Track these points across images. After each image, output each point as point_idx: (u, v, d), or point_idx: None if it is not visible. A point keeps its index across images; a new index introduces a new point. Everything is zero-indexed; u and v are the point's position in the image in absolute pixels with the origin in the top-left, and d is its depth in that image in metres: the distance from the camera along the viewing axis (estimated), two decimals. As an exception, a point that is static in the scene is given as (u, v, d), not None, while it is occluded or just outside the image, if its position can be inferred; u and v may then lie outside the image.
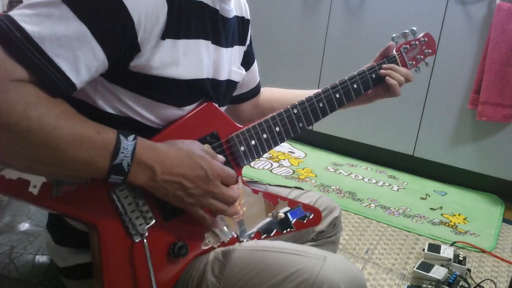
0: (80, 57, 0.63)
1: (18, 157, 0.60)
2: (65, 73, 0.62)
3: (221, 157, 0.78)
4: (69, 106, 0.64)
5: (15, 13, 0.60)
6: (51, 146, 0.60)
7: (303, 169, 2.55)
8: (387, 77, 1.02)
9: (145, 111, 0.75)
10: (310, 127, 0.96)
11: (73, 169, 0.64)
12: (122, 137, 0.66)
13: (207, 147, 0.80)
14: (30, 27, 0.59)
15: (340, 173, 2.54)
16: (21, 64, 0.59)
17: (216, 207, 0.75)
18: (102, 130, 0.65)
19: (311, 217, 0.94)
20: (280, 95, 1.11)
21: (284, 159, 2.67)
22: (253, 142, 0.87)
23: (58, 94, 0.63)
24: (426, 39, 1.11)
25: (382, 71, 1.03)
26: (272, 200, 0.90)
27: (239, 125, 0.87)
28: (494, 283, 1.65)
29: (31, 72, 0.59)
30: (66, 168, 0.63)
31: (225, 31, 0.86)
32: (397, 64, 1.06)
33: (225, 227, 0.83)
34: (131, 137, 0.67)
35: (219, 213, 0.77)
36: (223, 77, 0.87)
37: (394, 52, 1.07)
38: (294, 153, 2.78)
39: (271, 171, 2.50)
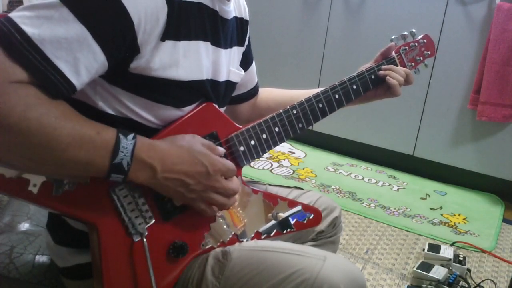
0: (80, 59, 0.63)
1: (18, 158, 0.60)
2: (65, 75, 0.62)
3: (221, 149, 0.78)
4: (68, 107, 0.64)
5: (15, 15, 0.60)
6: (50, 146, 0.60)
7: (303, 169, 2.55)
8: (388, 77, 1.02)
9: (144, 112, 0.75)
10: (310, 127, 0.96)
11: (73, 169, 0.64)
12: (121, 136, 0.66)
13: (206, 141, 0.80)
14: (30, 29, 0.59)
15: (340, 173, 2.55)
16: (21, 66, 0.59)
17: (217, 201, 0.76)
18: (101, 130, 0.65)
19: (311, 217, 0.94)
20: (277, 95, 1.12)
21: (284, 159, 2.67)
22: (252, 142, 0.87)
23: (58, 96, 0.63)
24: (425, 40, 1.11)
25: (381, 72, 1.03)
26: (272, 200, 0.90)
27: (238, 126, 0.87)
28: (494, 283, 1.65)
29: (31, 74, 0.60)
30: (66, 168, 0.63)
31: (224, 32, 0.86)
32: (396, 65, 1.06)
33: (225, 226, 0.84)
34: (131, 136, 0.67)
35: (220, 207, 0.78)
36: (222, 78, 0.87)
37: (393, 53, 1.07)
38: (294, 153, 2.78)
39: (271, 171, 2.50)
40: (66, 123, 0.61)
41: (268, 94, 1.13)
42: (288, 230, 0.91)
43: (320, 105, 0.95)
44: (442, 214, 2.18)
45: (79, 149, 0.62)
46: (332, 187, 2.36)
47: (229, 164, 0.77)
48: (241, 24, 0.96)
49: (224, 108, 0.95)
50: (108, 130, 0.66)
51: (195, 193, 0.74)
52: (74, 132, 0.62)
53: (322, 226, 1.05)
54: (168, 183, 0.71)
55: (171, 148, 0.72)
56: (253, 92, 1.10)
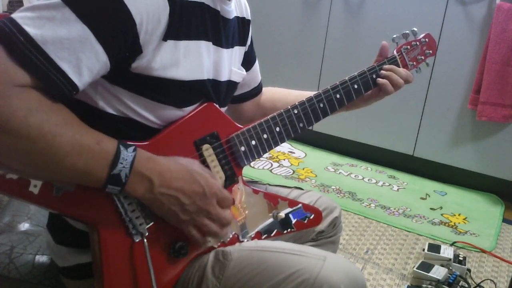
0: (82, 59, 0.63)
1: (16, 162, 0.60)
2: (68, 75, 0.62)
3: (219, 181, 0.78)
4: (70, 114, 0.64)
5: (17, 16, 0.60)
6: (49, 153, 0.60)
7: (303, 169, 2.55)
8: (378, 79, 1.02)
9: (145, 112, 0.75)
10: (310, 127, 0.96)
11: (71, 177, 0.64)
12: (122, 148, 0.66)
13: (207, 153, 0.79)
14: (32, 30, 0.59)
15: (340, 173, 2.55)
16: (24, 67, 0.59)
17: (209, 228, 0.75)
18: (102, 140, 0.65)
19: (311, 217, 0.94)
20: (283, 94, 1.11)
21: (284, 159, 2.67)
22: (253, 142, 0.87)
23: (60, 96, 0.63)
24: (426, 39, 1.11)
25: (382, 72, 1.03)
26: (272, 200, 0.90)
27: (239, 125, 0.87)
28: (494, 283, 1.65)
29: (34, 75, 0.59)
30: (64, 175, 0.63)
31: (226, 32, 0.86)
32: (398, 64, 1.06)
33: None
34: (131, 148, 0.67)
35: (212, 235, 0.77)
36: (223, 78, 0.87)
37: (395, 52, 1.07)
38: (294, 153, 2.78)
39: (271, 171, 2.50)
40: (67, 130, 0.61)
41: (274, 93, 1.13)
42: (289, 230, 0.91)
43: (321, 105, 0.95)
44: (442, 214, 2.18)
45: (78, 157, 0.62)
46: (332, 187, 2.36)
47: (226, 192, 0.77)
48: (242, 23, 0.96)
49: (226, 108, 0.95)
50: (108, 141, 0.66)
51: (188, 215, 0.73)
52: (74, 141, 0.62)
53: (322, 226, 1.05)
54: (164, 200, 0.70)
55: (171, 165, 0.71)
56: (257, 90, 1.10)
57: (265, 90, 1.14)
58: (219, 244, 0.83)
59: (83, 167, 0.63)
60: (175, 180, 0.70)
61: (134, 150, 0.67)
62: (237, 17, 0.93)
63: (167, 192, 0.70)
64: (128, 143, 0.68)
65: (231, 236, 0.84)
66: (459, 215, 2.19)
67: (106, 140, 0.66)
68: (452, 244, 1.89)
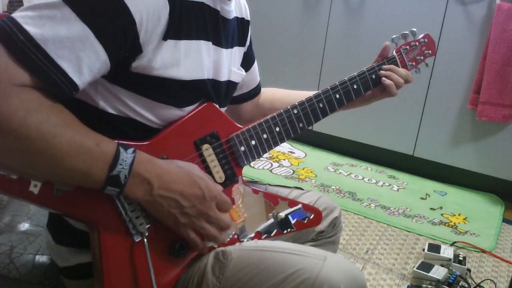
0: (82, 58, 0.63)
1: (15, 162, 0.60)
2: (68, 74, 0.62)
3: (219, 186, 0.78)
4: (70, 114, 0.64)
5: (18, 15, 0.60)
6: (48, 154, 0.60)
7: (303, 169, 2.55)
8: (383, 78, 1.02)
9: (145, 112, 0.75)
10: (310, 127, 0.96)
11: (70, 178, 0.64)
12: (121, 149, 0.66)
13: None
14: (33, 29, 0.59)
15: (340, 173, 2.55)
16: (24, 66, 0.59)
17: (208, 232, 0.75)
18: (101, 141, 0.65)
19: (311, 217, 0.94)
20: (282, 95, 1.11)
21: (284, 159, 2.67)
22: (253, 142, 0.87)
23: (60, 96, 0.63)
24: (426, 40, 1.11)
25: (382, 71, 1.03)
26: (272, 200, 0.90)
27: (239, 125, 0.87)
28: (494, 283, 1.65)
29: (34, 75, 0.59)
30: (63, 176, 0.64)
31: (225, 32, 0.86)
32: (397, 65, 1.06)
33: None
34: (131, 150, 0.67)
35: (211, 239, 0.77)
36: (223, 78, 0.87)
37: (394, 53, 1.07)
38: (294, 153, 2.78)
39: (271, 171, 2.50)
40: (66, 131, 0.61)
41: (273, 94, 1.13)
42: (289, 230, 0.91)
43: (321, 105, 0.95)
44: (442, 214, 2.18)
45: (77, 158, 0.62)
46: (332, 187, 2.36)
47: (226, 197, 0.77)
48: (242, 24, 0.96)
49: (225, 108, 0.95)
50: (108, 142, 0.66)
51: (187, 218, 0.72)
52: (73, 142, 0.62)
53: (322, 226, 1.05)
54: (163, 202, 0.70)
55: (170, 167, 0.71)
56: (256, 91, 1.10)
57: (264, 91, 1.14)
58: (219, 244, 0.83)
59: (82, 168, 0.63)
60: (174, 182, 0.70)
61: (134, 151, 0.67)
62: (236, 18, 0.93)
63: (166, 195, 0.70)
64: (128, 144, 0.68)
65: (230, 236, 0.84)
66: (459, 215, 2.19)
67: (105, 141, 0.66)
68: (452, 244, 1.89)
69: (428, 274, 1.54)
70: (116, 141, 0.67)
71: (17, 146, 0.59)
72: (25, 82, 0.59)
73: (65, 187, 0.68)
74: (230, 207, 0.77)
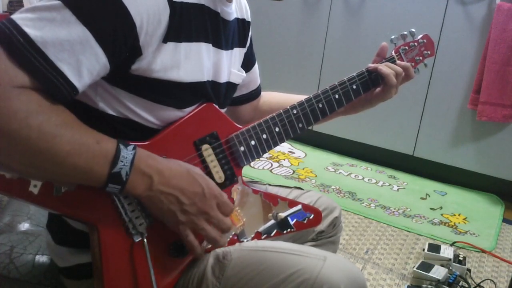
0: (82, 61, 0.63)
1: (17, 163, 0.60)
2: (67, 77, 0.62)
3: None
4: (70, 114, 0.64)
5: (17, 17, 0.60)
6: (50, 154, 0.60)
7: (303, 169, 2.56)
8: (380, 67, 0.99)
9: (145, 113, 0.75)
10: (310, 127, 0.96)
11: (72, 177, 0.64)
12: (122, 146, 0.66)
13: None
14: (32, 32, 0.59)
15: (340, 173, 2.55)
16: (24, 69, 0.59)
17: (208, 233, 0.74)
18: (101, 140, 0.65)
19: (311, 217, 0.94)
20: (281, 98, 1.11)
21: (284, 159, 2.67)
22: (252, 142, 0.87)
23: (60, 98, 0.63)
24: (425, 40, 1.11)
25: (379, 65, 1.01)
26: (272, 200, 0.90)
27: (238, 126, 0.87)
28: (494, 283, 1.65)
29: (34, 77, 0.60)
30: (65, 175, 0.64)
31: (226, 33, 0.86)
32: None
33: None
34: (131, 147, 0.67)
35: (211, 242, 0.76)
36: (223, 79, 0.87)
37: (393, 53, 1.07)
38: (294, 153, 2.79)
39: (271, 171, 2.50)
40: (67, 131, 0.62)
41: (272, 97, 1.13)
42: (288, 230, 0.91)
43: (320, 105, 0.95)
44: (442, 214, 2.18)
45: (78, 157, 0.62)
46: (332, 187, 2.36)
47: (227, 197, 0.76)
48: (242, 25, 0.96)
49: (225, 109, 0.95)
50: (108, 140, 0.66)
51: (187, 216, 0.72)
52: (74, 141, 0.62)
53: (322, 226, 1.05)
54: (163, 198, 0.70)
55: (171, 164, 0.71)
56: (256, 93, 1.10)
57: (264, 94, 1.13)
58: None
59: (83, 166, 0.63)
60: (174, 178, 0.70)
61: (134, 148, 0.67)
62: (237, 19, 0.93)
63: (166, 190, 0.69)
64: (128, 142, 0.68)
65: (230, 237, 0.84)
66: (459, 215, 2.19)
67: (106, 139, 0.66)
68: (452, 244, 1.89)
69: (428, 274, 1.54)
70: (116, 139, 0.67)
71: (18, 147, 0.59)
72: (25, 84, 0.59)
73: (66, 187, 0.68)
74: (232, 210, 0.77)
